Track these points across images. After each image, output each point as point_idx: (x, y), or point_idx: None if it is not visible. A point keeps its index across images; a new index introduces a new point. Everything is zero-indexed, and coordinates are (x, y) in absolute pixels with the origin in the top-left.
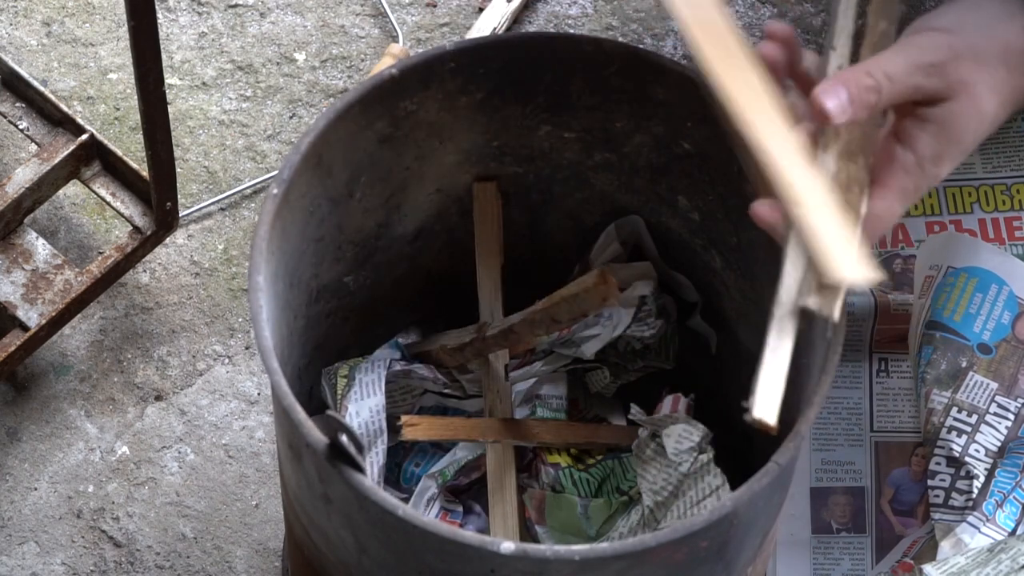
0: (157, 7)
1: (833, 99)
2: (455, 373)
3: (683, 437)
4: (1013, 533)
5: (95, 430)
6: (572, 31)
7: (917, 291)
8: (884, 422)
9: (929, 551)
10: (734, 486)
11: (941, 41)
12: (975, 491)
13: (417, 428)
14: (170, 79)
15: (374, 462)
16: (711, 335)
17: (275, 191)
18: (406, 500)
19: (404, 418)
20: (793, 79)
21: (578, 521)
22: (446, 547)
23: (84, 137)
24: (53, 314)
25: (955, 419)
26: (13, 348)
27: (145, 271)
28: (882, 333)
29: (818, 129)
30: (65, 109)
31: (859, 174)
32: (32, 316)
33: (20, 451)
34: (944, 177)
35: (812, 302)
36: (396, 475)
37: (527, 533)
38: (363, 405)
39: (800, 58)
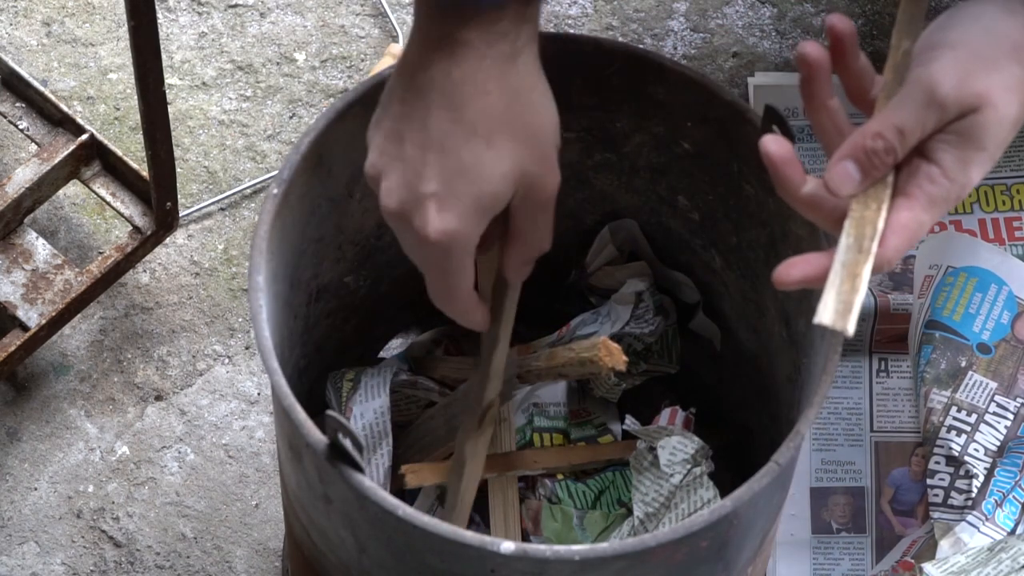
0: (157, 7)
1: (843, 179)
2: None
3: (677, 449)
4: (1012, 532)
5: (95, 430)
6: (572, 31)
7: (916, 291)
8: (884, 422)
9: (929, 551)
10: (734, 486)
11: (948, 63)
12: (974, 490)
13: (420, 474)
14: (170, 79)
15: (379, 464)
16: (714, 333)
17: (275, 191)
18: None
19: (404, 467)
20: (843, 77)
21: (573, 532)
22: (446, 547)
23: (84, 137)
24: (53, 314)
25: (954, 418)
26: (13, 348)
27: (145, 271)
28: (882, 333)
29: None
30: (65, 109)
31: (877, 190)
32: (32, 316)
33: (20, 451)
34: (975, 184)
35: (826, 318)
36: None
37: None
38: (367, 407)
39: (855, 57)
